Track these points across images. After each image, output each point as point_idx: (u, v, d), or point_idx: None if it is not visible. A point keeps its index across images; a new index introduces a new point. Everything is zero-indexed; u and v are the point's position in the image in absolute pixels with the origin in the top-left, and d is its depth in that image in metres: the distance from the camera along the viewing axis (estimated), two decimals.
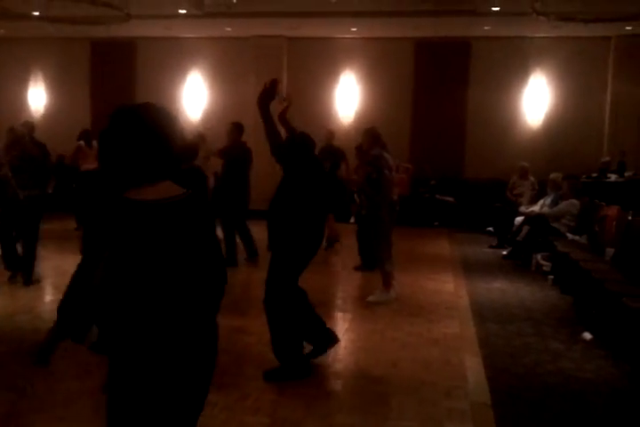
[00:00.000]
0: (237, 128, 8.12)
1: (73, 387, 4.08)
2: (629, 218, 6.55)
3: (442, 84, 13.05)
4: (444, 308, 6.36)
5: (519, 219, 9.47)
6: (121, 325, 2.01)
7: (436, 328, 5.65)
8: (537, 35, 12.51)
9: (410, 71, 13.21)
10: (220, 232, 7.36)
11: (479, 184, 12.55)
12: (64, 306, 2.07)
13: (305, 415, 3.80)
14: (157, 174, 2.07)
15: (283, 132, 4.74)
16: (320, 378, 4.44)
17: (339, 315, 6.16)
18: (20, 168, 6.58)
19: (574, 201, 8.39)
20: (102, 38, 13.08)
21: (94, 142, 9.76)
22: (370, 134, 6.79)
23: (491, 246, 9.99)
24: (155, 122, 2.06)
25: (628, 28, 11.37)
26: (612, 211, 7.21)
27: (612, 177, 11.09)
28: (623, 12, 9.55)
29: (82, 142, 10.41)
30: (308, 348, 4.59)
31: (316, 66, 13.37)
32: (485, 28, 11.88)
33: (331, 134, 11.01)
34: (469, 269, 8.34)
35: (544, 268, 7.89)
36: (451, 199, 12.32)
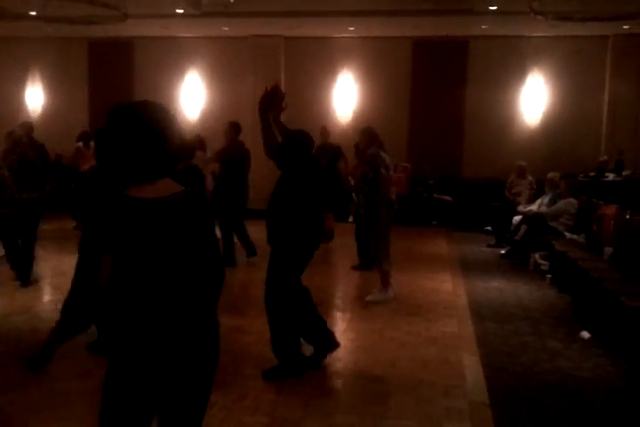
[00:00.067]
0: (234, 128, 8.11)
1: (73, 387, 4.08)
2: (627, 217, 6.56)
3: (440, 84, 13.06)
4: (443, 307, 6.37)
5: (517, 218, 9.48)
6: (124, 323, 2.01)
7: (434, 327, 5.65)
8: (534, 34, 12.51)
9: (408, 70, 13.20)
10: (217, 232, 7.35)
11: (477, 183, 12.54)
12: (69, 307, 2.06)
13: (304, 415, 3.80)
14: (156, 172, 2.07)
15: (278, 134, 4.75)
16: (319, 377, 4.44)
17: (337, 314, 6.16)
18: (20, 171, 6.59)
19: (572, 200, 8.40)
20: (100, 38, 13.07)
21: (92, 143, 9.77)
22: (366, 134, 6.80)
23: (489, 245, 9.99)
24: (152, 119, 2.06)
25: (625, 27, 11.37)
26: (610, 210, 7.22)
27: (610, 176, 11.09)
28: (620, 11, 9.55)
29: (80, 144, 10.44)
30: (307, 348, 4.60)
31: (313, 65, 13.36)
32: (483, 27, 11.88)
33: (325, 132, 10.99)
34: (467, 268, 8.35)
35: (542, 267, 7.89)
36: (449, 198, 12.32)
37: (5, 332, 5.31)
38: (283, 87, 13.41)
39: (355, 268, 8.03)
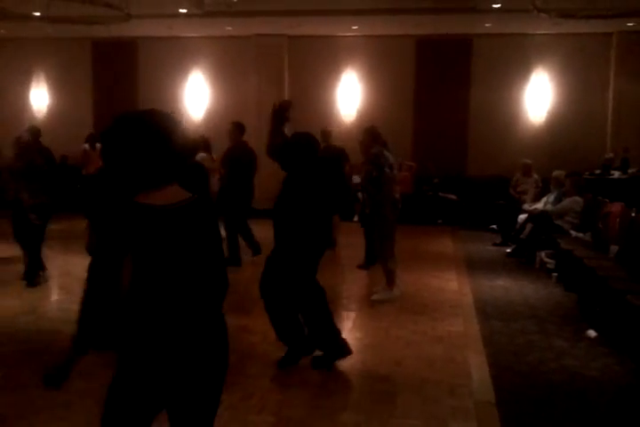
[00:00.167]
0: (238, 128, 8.11)
1: (73, 387, 4.07)
2: (633, 215, 6.54)
3: (443, 82, 13.04)
4: (448, 306, 6.36)
5: (522, 216, 9.45)
6: (139, 326, 2.04)
7: (440, 326, 5.65)
8: (538, 31, 12.48)
9: (411, 69, 13.19)
10: (222, 231, 7.35)
11: (482, 182, 12.52)
12: (85, 318, 2.04)
13: (309, 414, 3.80)
14: (163, 179, 2.10)
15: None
16: (324, 376, 4.44)
17: (343, 313, 6.15)
18: (29, 177, 6.61)
19: (577, 198, 8.37)
20: (103, 38, 13.08)
21: (97, 145, 9.83)
22: (369, 133, 6.80)
23: (494, 244, 9.97)
24: (160, 128, 2.08)
25: (629, 24, 11.35)
26: (616, 208, 7.19)
27: (616, 174, 11.07)
28: (624, 8, 9.53)
29: (86, 146, 10.50)
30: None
31: (317, 64, 13.36)
32: (486, 25, 11.86)
33: (326, 134, 10.94)
34: (473, 266, 8.33)
35: (548, 265, 7.87)
36: (454, 197, 12.31)
37: (13, 333, 5.31)
38: (286, 86, 13.43)
39: (360, 267, 8.03)
